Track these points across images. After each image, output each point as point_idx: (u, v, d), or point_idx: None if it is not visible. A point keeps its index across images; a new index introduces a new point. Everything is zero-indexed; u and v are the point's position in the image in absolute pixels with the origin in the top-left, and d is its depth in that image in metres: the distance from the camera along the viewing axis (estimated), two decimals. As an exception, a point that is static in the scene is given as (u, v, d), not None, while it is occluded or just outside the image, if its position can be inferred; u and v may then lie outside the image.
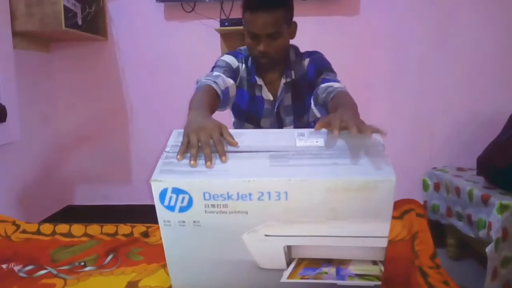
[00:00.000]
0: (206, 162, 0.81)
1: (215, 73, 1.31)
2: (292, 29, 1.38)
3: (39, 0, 2.03)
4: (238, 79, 1.42)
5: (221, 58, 1.41)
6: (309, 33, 2.36)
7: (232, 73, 1.37)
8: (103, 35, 2.48)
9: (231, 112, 1.55)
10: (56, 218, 2.44)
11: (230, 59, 1.41)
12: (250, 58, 1.43)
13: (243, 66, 1.44)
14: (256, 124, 1.50)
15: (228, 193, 0.77)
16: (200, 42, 2.44)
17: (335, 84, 1.27)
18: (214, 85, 1.24)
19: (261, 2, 1.27)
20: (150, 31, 2.50)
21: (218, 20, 2.32)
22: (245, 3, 1.31)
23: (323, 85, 1.29)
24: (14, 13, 2.05)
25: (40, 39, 2.41)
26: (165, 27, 2.49)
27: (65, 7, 2.07)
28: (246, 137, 0.88)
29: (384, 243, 0.80)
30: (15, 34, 2.07)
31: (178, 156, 0.83)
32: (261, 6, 1.26)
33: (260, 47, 1.30)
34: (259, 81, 1.43)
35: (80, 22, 2.23)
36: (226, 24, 2.27)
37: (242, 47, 1.46)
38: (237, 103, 1.47)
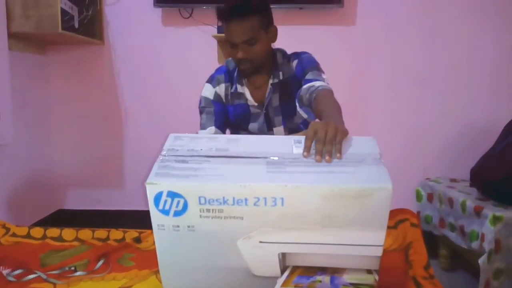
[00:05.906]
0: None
1: (208, 126, 1.43)
2: (272, 33, 1.39)
3: (36, 2, 2.01)
4: (224, 99, 1.48)
5: (201, 95, 1.48)
6: (306, 42, 2.37)
7: (216, 106, 1.46)
8: (100, 39, 2.47)
9: None
10: (47, 222, 2.40)
11: (207, 92, 1.48)
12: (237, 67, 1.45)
13: (222, 86, 1.47)
14: (245, 130, 1.51)
15: (224, 197, 0.76)
16: (197, 48, 2.43)
17: (317, 83, 1.29)
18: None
19: (233, 12, 1.29)
20: (147, 36, 2.50)
21: (216, 26, 2.32)
22: (219, 14, 1.34)
23: (305, 86, 1.32)
24: (10, 14, 2.03)
25: (36, 42, 2.39)
26: (162, 33, 2.48)
27: (62, 10, 2.05)
28: (242, 142, 0.88)
29: (379, 252, 0.80)
30: (11, 35, 2.05)
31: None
32: (233, 16, 1.29)
33: (239, 54, 1.33)
34: (240, 89, 1.45)
35: (76, 25, 2.22)
36: (224, 31, 2.27)
37: (230, 58, 1.49)
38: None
